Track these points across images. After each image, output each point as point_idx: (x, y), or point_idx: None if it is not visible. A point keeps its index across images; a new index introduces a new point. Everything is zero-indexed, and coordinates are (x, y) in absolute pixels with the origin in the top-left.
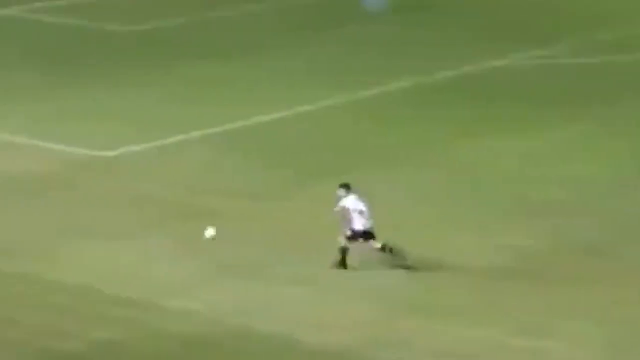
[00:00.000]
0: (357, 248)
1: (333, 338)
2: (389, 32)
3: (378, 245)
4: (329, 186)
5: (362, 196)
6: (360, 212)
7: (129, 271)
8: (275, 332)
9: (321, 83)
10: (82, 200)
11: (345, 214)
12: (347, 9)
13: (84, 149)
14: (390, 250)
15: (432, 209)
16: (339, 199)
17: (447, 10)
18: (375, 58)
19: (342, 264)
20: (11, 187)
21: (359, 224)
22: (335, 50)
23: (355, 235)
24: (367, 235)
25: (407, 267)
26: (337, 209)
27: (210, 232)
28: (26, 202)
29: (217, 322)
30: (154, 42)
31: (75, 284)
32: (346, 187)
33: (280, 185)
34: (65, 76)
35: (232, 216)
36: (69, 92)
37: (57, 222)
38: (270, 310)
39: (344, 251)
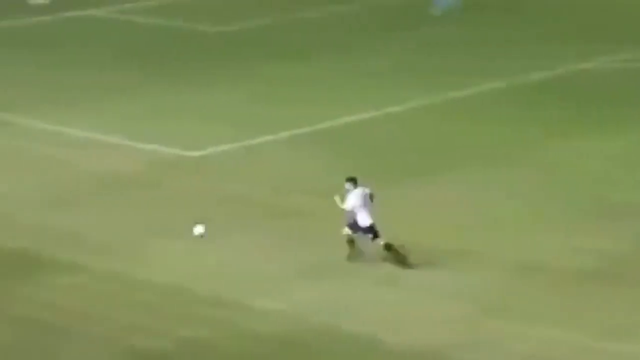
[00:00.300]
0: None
1: (417, 339)
2: (476, 33)
3: (382, 242)
4: (417, 187)
5: (368, 192)
6: (363, 207)
7: (216, 270)
8: (360, 332)
9: (409, 84)
10: (170, 199)
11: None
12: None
13: (173, 149)
14: (391, 249)
15: (519, 209)
16: (346, 192)
17: (532, 11)
18: (462, 59)
19: (353, 253)
20: (103, 186)
21: (362, 219)
22: (422, 50)
23: (356, 228)
24: (369, 230)
25: (408, 266)
26: (346, 208)
27: (199, 229)
28: (117, 201)
29: (302, 321)
30: (242, 43)
31: (163, 283)
32: (353, 181)
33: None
34: (156, 76)
35: (319, 216)
36: (159, 91)
37: (146, 221)
38: (355, 310)
39: (351, 241)
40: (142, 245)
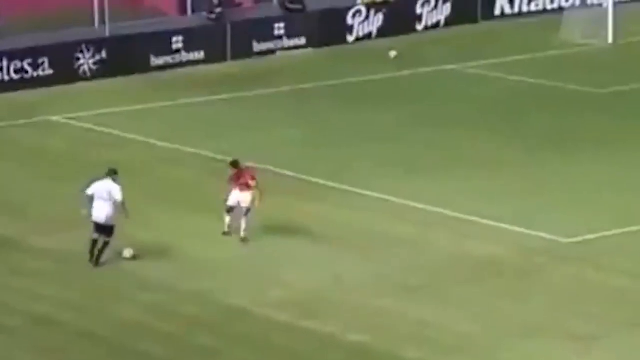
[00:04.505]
0: None
1: None
2: None
3: (105, 239)
4: None
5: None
6: (103, 201)
7: None
8: None
9: None
10: (540, 291)
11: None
12: None
13: (545, 233)
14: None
15: None
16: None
17: None
18: None
19: (91, 256)
20: (461, 272)
21: (97, 214)
22: None
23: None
24: (102, 229)
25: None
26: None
27: (128, 252)
28: (475, 290)
29: None
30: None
31: None
32: (113, 173)
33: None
34: (514, 140)
35: None
36: (516, 162)
37: (508, 317)
38: None
39: (92, 243)
40: (502, 345)
